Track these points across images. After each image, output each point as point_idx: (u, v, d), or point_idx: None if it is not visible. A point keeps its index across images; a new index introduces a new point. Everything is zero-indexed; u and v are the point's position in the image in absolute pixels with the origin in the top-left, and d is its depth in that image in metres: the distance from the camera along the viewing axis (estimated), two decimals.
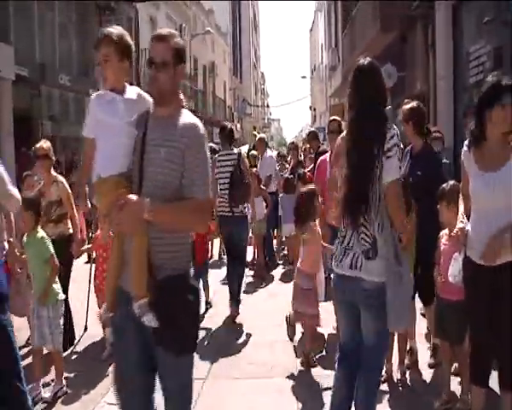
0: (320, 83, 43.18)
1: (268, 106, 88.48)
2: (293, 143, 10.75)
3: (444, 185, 3.60)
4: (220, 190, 5.86)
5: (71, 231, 5.02)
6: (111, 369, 4.30)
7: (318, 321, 4.46)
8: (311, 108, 57.30)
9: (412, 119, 4.08)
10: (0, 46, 10.98)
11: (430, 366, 4.25)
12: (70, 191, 5.07)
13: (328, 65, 28.00)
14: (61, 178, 5.14)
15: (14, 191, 3.61)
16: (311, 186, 4.68)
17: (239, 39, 49.23)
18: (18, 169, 8.57)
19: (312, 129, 11.99)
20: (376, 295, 2.68)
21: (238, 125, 46.22)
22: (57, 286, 4.16)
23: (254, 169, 7.91)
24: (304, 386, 4.14)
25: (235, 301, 5.93)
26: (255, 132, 15.30)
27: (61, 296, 4.17)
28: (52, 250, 4.12)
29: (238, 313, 5.93)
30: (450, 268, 3.27)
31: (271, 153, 9.65)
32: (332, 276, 3.02)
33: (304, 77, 53.06)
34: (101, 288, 4.70)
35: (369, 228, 2.71)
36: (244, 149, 14.01)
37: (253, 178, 6.74)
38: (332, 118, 5.58)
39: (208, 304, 6.38)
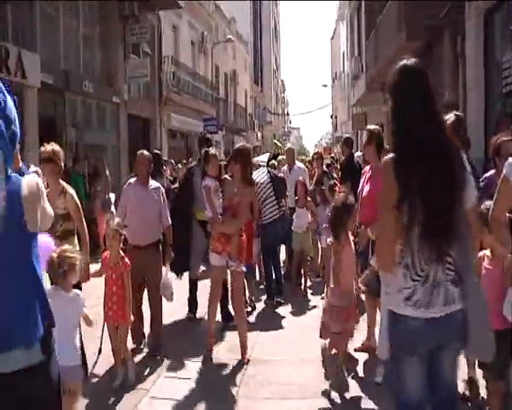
0: (341, 91, 42.96)
1: (288, 114, 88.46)
2: (317, 152, 10.61)
3: (481, 207, 3.40)
4: (266, 201, 6.69)
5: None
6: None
7: (345, 340, 4.29)
8: (332, 116, 57.08)
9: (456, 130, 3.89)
10: (27, 54, 11.09)
11: (463, 399, 3.89)
12: (79, 205, 4.60)
13: (351, 73, 27.83)
14: (70, 189, 4.61)
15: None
16: (349, 198, 4.51)
17: (260, 48, 49.37)
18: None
19: (348, 135, 11.43)
20: (462, 322, 2.33)
21: (259, 134, 46.33)
22: None
23: (301, 177, 7.79)
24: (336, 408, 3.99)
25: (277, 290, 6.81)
26: (276, 141, 14.94)
27: None
28: None
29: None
30: (505, 304, 3.02)
31: (300, 164, 9.34)
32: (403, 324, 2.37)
33: (325, 85, 52.91)
34: (111, 312, 4.53)
35: (452, 254, 2.34)
36: (264, 158, 13.71)
37: (300, 187, 7.41)
38: (372, 127, 5.14)
39: (252, 303, 6.74)
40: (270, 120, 53.98)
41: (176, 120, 21.58)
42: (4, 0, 10.79)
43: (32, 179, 2.15)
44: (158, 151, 9.28)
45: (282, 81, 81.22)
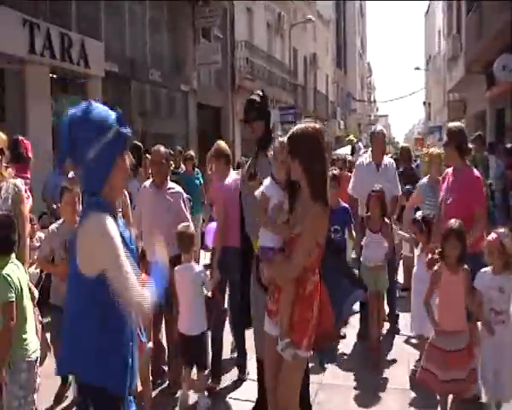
0: (437, 75, 41.27)
1: (375, 101, 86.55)
2: (404, 146, 9.95)
3: None
4: None
5: None
6: None
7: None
8: (425, 103, 55.07)
9: None
10: (90, 42, 11.40)
11: None
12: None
13: (448, 54, 26.54)
14: None
15: None
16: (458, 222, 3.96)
17: (343, 27, 48.46)
18: None
19: (480, 133, 8.90)
20: None
21: (341, 123, 45.53)
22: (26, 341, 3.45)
23: (377, 186, 5.53)
24: None
25: None
26: (351, 137, 13.65)
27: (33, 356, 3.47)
28: (10, 295, 3.31)
29: None
30: None
31: (390, 159, 6.69)
32: None
33: (417, 68, 51.01)
34: None
35: None
36: (346, 150, 13.18)
37: (374, 200, 5.36)
38: (452, 125, 4.88)
39: None
40: (354, 107, 52.93)
41: None
42: None
43: None
44: (138, 143, 8.32)
45: (369, 64, 79.46)
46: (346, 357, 5.58)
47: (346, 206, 6.03)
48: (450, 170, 4.78)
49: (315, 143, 3.05)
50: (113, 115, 2.41)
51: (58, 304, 4.41)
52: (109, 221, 2.32)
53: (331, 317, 3.17)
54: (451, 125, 4.89)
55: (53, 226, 4.56)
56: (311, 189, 3.01)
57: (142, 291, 2.31)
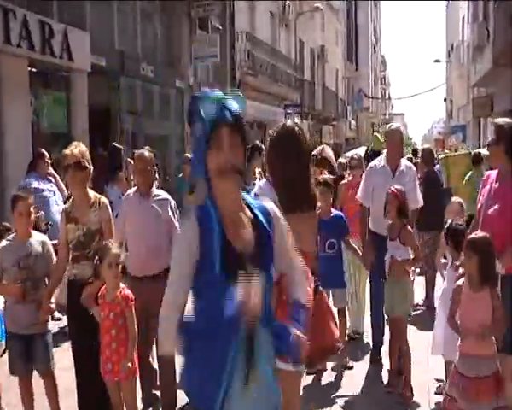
0: (459, 68, 41.15)
1: (389, 98, 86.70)
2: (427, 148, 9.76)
3: None
4: None
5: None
6: None
7: None
8: (445, 100, 54.97)
9: None
10: (74, 32, 11.26)
11: None
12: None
13: (473, 43, 26.38)
14: (103, 197, 4.56)
15: None
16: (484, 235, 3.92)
17: (355, 17, 48.55)
18: (94, 174, 8.48)
19: None
20: None
21: (352, 122, 45.47)
22: None
23: (395, 187, 5.11)
24: None
25: None
26: (377, 134, 13.47)
27: None
28: None
29: None
30: None
31: (408, 162, 6.33)
32: None
33: (437, 61, 50.96)
34: (110, 364, 4.02)
35: None
36: (360, 151, 13.02)
37: (392, 203, 4.96)
38: (502, 121, 4.63)
39: None
40: (366, 105, 52.90)
41: (252, 107, 21.44)
42: None
43: None
44: (118, 145, 8.54)
45: (383, 57, 79.67)
46: (358, 385, 5.41)
47: (340, 213, 5.81)
48: (493, 173, 4.56)
49: (288, 144, 3.15)
50: (204, 98, 2.17)
51: (15, 331, 4.29)
52: (184, 233, 2.26)
53: (333, 333, 3.24)
54: (502, 121, 4.57)
55: (3, 243, 4.42)
56: (288, 194, 3.04)
57: (170, 327, 2.21)
